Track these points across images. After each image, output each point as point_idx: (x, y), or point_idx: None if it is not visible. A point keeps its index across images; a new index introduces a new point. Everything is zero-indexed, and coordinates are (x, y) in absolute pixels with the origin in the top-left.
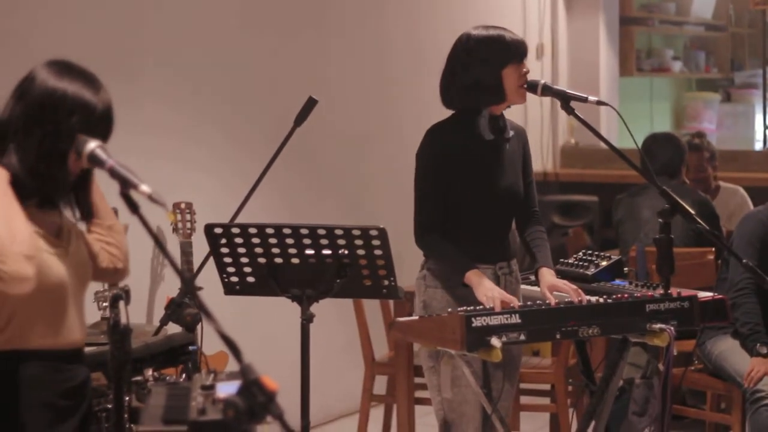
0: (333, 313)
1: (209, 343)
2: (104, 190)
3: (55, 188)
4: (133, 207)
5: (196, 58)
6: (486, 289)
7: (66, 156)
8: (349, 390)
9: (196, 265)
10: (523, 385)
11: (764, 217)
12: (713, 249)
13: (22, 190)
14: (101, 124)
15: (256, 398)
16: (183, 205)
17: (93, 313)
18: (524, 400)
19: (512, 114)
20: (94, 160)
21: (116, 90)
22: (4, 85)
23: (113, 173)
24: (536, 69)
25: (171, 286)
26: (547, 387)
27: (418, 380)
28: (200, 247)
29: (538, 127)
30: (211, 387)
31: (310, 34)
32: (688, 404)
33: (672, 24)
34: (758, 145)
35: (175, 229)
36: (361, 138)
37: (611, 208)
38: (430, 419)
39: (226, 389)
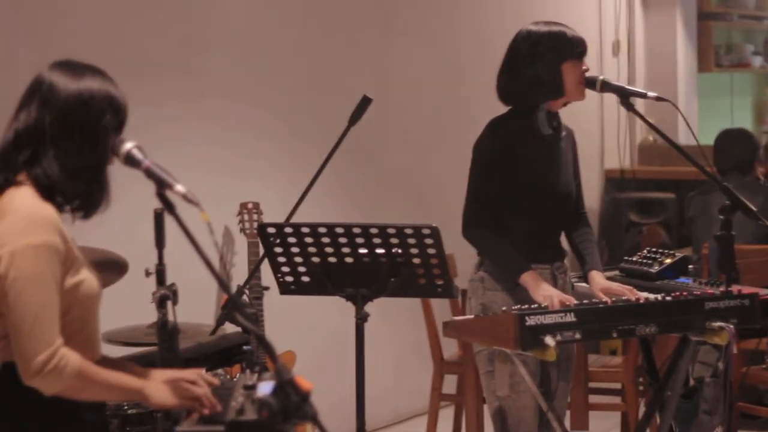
0: (403, 313)
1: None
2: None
3: (100, 190)
4: (169, 207)
5: (261, 55)
6: (543, 290)
7: (107, 156)
8: (419, 390)
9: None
10: (593, 384)
11: None
12: None
13: (59, 198)
14: (125, 116)
15: (290, 398)
16: (250, 205)
17: (152, 313)
18: (594, 399)
19: (588, 113)
20: (131, 161)
21: (179, 84)
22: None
23: (149, 173)
24: (613, 66)
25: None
26: (617, 386)
27: None
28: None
29: (614, 125)
30: (253, 386)
31: (375, 31)
32: (766, 404)
33: (752, 19)
34: None
35: (242, 229)
36: (428, 136)
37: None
38: None
39: (264, 389)
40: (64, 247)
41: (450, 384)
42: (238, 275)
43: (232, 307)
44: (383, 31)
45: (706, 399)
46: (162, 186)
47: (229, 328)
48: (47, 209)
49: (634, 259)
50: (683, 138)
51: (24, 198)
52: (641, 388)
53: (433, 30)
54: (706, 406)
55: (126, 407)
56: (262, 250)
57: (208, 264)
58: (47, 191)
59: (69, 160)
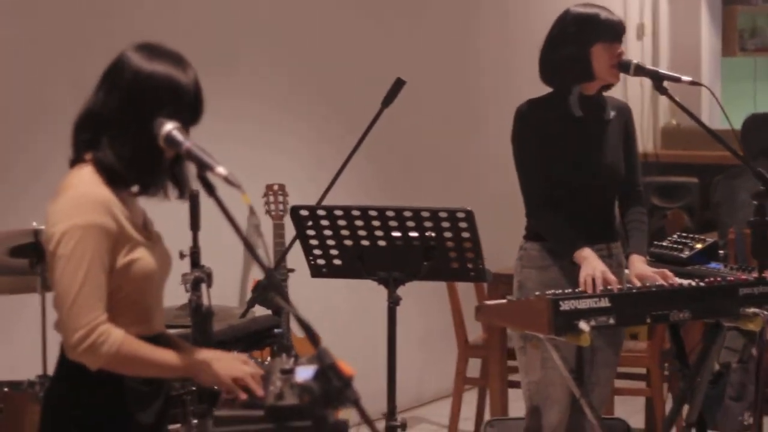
0: (428, 296)
1: (295, 325)
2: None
3: (155, 176)
4: (210, 189)
5: (288, 48)
6: (588, 266)
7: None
8: (443, 373)
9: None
10: (617, 369)
11: None
12: None
13: (118, 181)
14: (194, 104)
15: (332, 383)
16: (276, 187)
17: (181, 296)
18: (619, 383)
19: (611, 96)
20: (171, 142)
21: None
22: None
23: (190, 155)
24: (636, 49)
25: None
26: (642, 371)
27: (511, 363)
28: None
29: (638, 108)
30: (291, 371)
31: (400, 17)
32: None
33: None
34: None
35: (268, 211)
36: (454, 120)
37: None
38: (523, 402)
39: (305, 374)
40: (116, 228)
41: (473, 367)
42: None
43: (269, 289)
44: (414, 16)
45: (733, 385)
46: (203, 168)
47: (258, 311)
48: (99, 190)
49: (665, 244)
50: (706, 121)
51: (81, 178)
52: (666, 373)
53: (453, 13)
54: (732, 392)
55: None
56: (288, 233)
57: (250, 248)
58: (108, 174)
59: (123, 148)
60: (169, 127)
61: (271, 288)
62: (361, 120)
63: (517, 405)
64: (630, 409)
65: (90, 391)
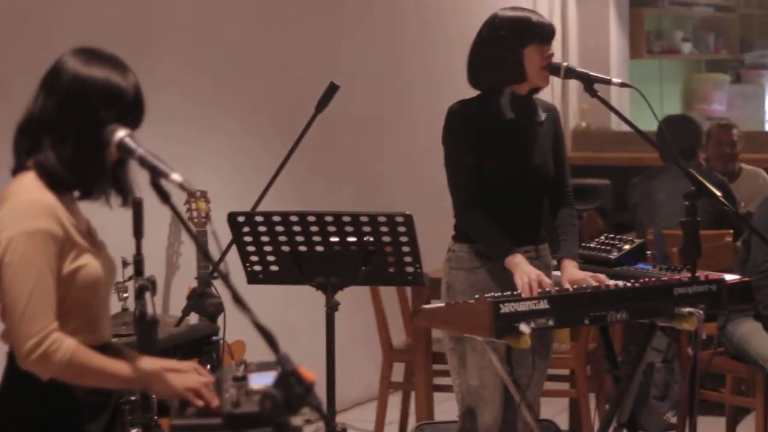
0: (347, 301)
1: (228, 333)
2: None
3: (96, 181)
4: (164, 197)
5: (211, 46)
6: (522, 272)
7: (103, 147)
8: (363, 377)
9: (213, 254)
10: None
11: None
12: (731, 231)
13: (60, 185)
14: (133, 109)
15: (294, 389)
16: (198, 194)
17: (113, 304)
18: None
19: None
20: (123, 149)
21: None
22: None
23: (143, 162)
24: None
25: (186, 275)
26: (565, 372)
27: (436, 367)
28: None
29: None
30: (243, 378)
31: (323, 21)
32: (707, 387)
33: (681, 5)
34: None
35: (190, 218)
36: (375, 125)
37: (624, 192)
38: (448, 405)
39: (260, 380)
40: (62, 234)
41: (396, 372)
42: (185, 265)
43: (198, 298)
44: (331, 22)
45: (657, 384)
46: (157, 175)
47: (193, 318)
48: (45, 196)
49: (592, 245)
50: (615, 125)
51: (24, 184)
52: (589, 374)
53: (377, 20)
54: (656, 392)
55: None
56: (211, 240)
57: (206, 255)
58: (50, 178)
59: (65, 150)
60: (122, 134)
61: (233, 297)
62: (287, 124)
63: (441, 408)
64: (553, 411)
65: (40, 403)
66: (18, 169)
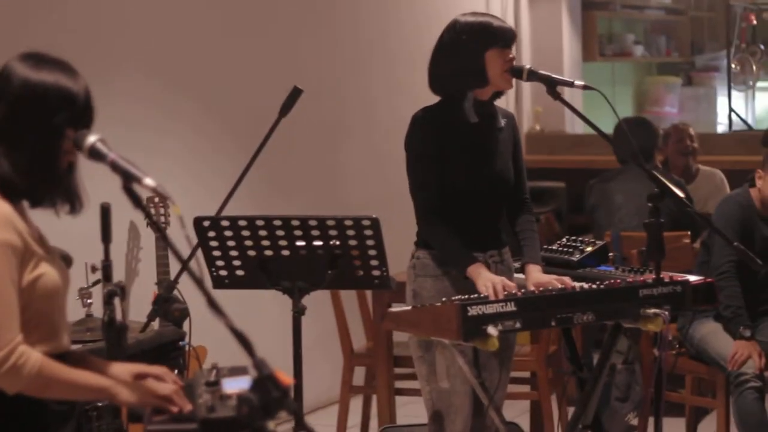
0: (308, 305)
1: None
2: (105, 183)
3: (50, 187)
4: (137, 201)
5: (167, 49)
6: (485, 279)
7: (59, 153)
8: (324, 382)
9: (172, 259)
10: None
11: (742, 200)
12: (689, 232)
13: (12, 193)
14: (85, 112)
15: (271, 393)
16: (156, 199)
17: (77, 311)
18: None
19: None
20: (95, 154)
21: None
22: None
23: (115, 167)
24: None
25: (146, 280)
26: (525, 374)
27: (398, 371)
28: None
29: None
30: (216, 383)
31: (284, 25)
32: (667, 388)
33: (633, 8)
34: (721, 128)
35: (149, 224)
36: (334, 129)
37: (580, 194)
38: (409, 409)
39: (234, 385)
40: (21, 244)
41: (357, 376)
42: (144, 270)
43: (164, 303)
44: (292, 27)
45: (619, 386)
46: (129, 179)
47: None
48: (1, 206)
49: (554, 247)
50: (569, 127)
51: None
52: (550, 376)
53: (338, 25)
54: (618, 393)
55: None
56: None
57: (182, 260)
58: (4, 187)
59: (20, 158)
60: (93, 139)
61: (208, 302)
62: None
63: (402, 412)
64: (514, 413)
65: (7, 413)
66: None
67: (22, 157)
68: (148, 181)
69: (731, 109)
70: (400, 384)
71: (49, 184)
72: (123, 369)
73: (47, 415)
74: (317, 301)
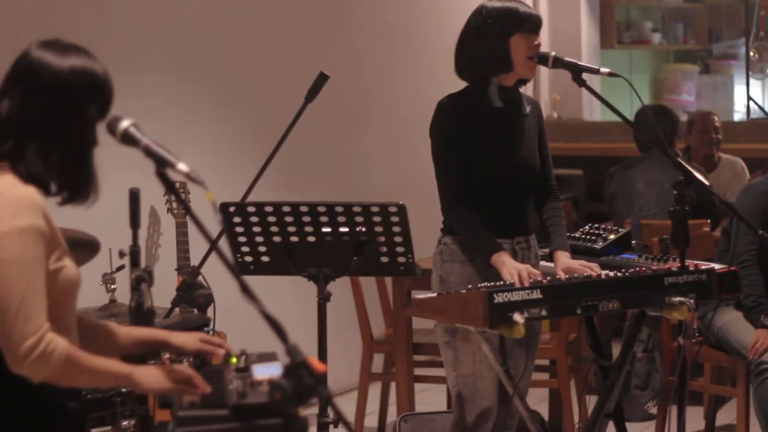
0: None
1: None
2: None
3: (86, 181)
4: (171, 187)
5: (190, 37)
6: (510, 267)
7: (92, 147)
8: (342, 368)
9: (192, 245)
10: None
11: (765, 189)
12: (708, 221)
13: (45, 189)
14: (110, 96)
15: (304, 380)
16: (177, 185)
17: (101, 296)
18: None
19: None
20: (128, 140)
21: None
22: None
23: (149, 152)
24: None
25: (167, 267)
26: (545, 362)
27: (417, 358)
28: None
29: None
30: (246, 369)
31: (304, 13)
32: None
33: None
34: (737, 116)
35: (170, 209)
36: (357, 116)
37: (597, 182)
38: (427, 396)
39: (264, 371)
40: (48, 231)
41: (376, 362)
42: (165, 256)
43: (188, 289)
44: (317, 14)
45: (638, 374)
46: (163, 165)
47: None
48: (31, 192)
49: (577, 235)
50: (587, 115)
51: (6, 181)
52: (570, 364)
53: (362, 13)
54: (638, 381)
55: (84, 392)
56: (191, 231)
57: (215, 247)
58: (29, 179)
59: (53, 155)
60: (126, 124)
61: (241, 288)
62: (261, 114)
63: (420, 399)
64: (533, 401)
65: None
66: None
67: (57, 156)
68: (182, 167)
69: (749, 97)
70: (419, 371)
71: (83, 182)
72: (188, 336)
73: (69, 415)
74: (337, 287)
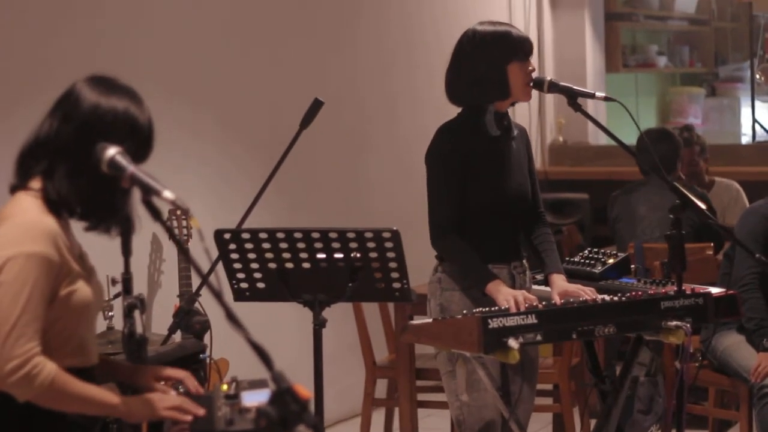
0: (329, 318)
1: (214, 350)
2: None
3: (108, 214)
4: (156, 214)
5: (189, 61)
6: (506, 294)
7: (120, 181)
8: (345, 394)
9: (193, 272)
10: None
11: (766, 212)
12: (712, 244)
13: (67, 212)
14: (147, 143)
15: (289, 407)
16: (179, 212)
17: (99, 323)
18: None
19: None
20: (114, 167)
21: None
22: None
23: (134, 180)
24: None
25: (168, 293)
26: (548, 387)
27: (420, 383)
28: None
29: (525, 126)
30: (236, 396)
31: (305, 39)
32: (690, 401)
33: (656, 19)
34: (744, 139)
35: (170, 237)
36: (357, 141)
37: (603, 206)
38: (431, 422)
39: (253, 398)
40: (59, 259)
41: (379, 388)
42: (167, 282)
43: (185, 316)
44: (316, 39)
45: (641, 398)
46: (148, 193)
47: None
48: (46, 220)
49: (576, 259)
50: (592, 138)
51: (26, 205)
52: (573, 388)
53: (361, 37)
54: (640, 406)
55: None
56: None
57: (200, 273)
58: (53, 204)
59: (80, 181)
60: (113, 151)
61: (227, 315)
62: (262, 140)
63: (424, 424)
64: (537, 426)
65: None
66: (18, 187)
67: (83, 181)
68: (167, 194)
69: (755, 120)
70: (422, 396)
71: (107, 211)
72: (145, 372)
73: (67, 426)
74: (339, 313)
